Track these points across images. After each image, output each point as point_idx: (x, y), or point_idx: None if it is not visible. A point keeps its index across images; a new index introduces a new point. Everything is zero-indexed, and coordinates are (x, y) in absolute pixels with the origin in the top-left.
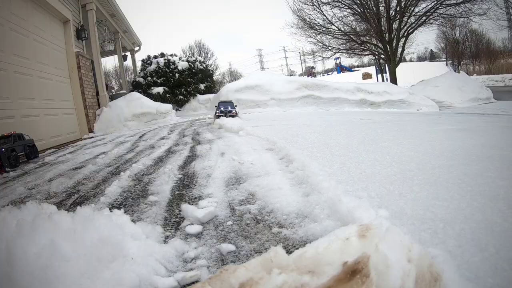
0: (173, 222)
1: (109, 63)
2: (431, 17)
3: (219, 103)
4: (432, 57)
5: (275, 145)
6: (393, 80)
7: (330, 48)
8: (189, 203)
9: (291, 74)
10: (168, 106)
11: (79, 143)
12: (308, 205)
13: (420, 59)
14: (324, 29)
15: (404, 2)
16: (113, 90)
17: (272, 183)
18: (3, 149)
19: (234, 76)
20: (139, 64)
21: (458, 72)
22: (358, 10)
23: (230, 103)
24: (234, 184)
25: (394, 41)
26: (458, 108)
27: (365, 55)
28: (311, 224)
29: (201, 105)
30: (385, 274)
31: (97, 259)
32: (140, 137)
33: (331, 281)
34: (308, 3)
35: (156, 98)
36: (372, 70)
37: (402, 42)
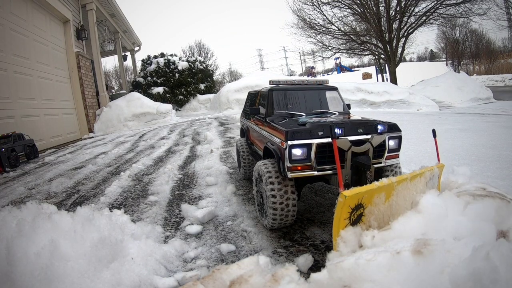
0: (173, 222)
1: (109, 63)
2: (431, 17)
3: (270, 97)
4: (432, 57)
5: None
6: (393, 80)
7: (330, 48)
8: (189, 203)
9: (291, 74)
10: (168, 106)
11: (79, 143)
12: None
13: (420, 59)
14: (324, 29)
15: (404, 2)
16: (113, 90)
17: None
18: (3, 149)
19: (234, 76)
20: (139, 64)
21: (458, 72)
22: (358, 10)
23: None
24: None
25: (394, 41)
26: (458, 108)
27: (365, 55)
28: None
29: (201, 105)
30: None
31: (97, 259)
32: (140, 137)
33: None
34: (308, 3)
35: (156, 98)
36: (372, 70)
37: (402, 42)
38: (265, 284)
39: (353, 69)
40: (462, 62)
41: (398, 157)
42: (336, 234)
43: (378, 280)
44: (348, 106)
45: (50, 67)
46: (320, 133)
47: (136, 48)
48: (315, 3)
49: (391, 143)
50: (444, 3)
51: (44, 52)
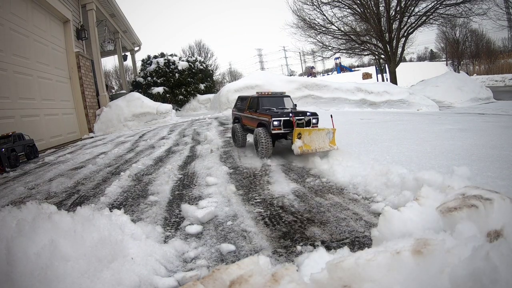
0: (173, 222)
1: (109, 63)
2: (431, 17)
3: (258, 100)
4: (432, 57)
5: None
6: (393, 80)
7: (330, 48)
8: (189, 203)
9: (291, 74)
10: (168, 106)
11: (79, 143)
12: None
13: (420, 59)
14: (324, 29)
15: (404, 2)
16: (113, 90)
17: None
18: (3, 149)
19: (234, 76)
20: (139, 64)
21: (458, 72)
22: (358, 10)
23: (284, 97)
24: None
25: (394, 41)
26: (458, 108)
27: (365, 55)
28: None
29: (201, 105)
30: None
31: (97, 259)
32: (140, 137)
33: None
34: (308, 3)
35: (156, 98)
36: (372, 70)
37: (402, 42)
38: (265, 284)
39: (353, 69)
40: (462, 62)
41: (317, 126)
42: (293, 141)
43: (378, 280)
44: (295, 105)
45: (50, 67)
46: (284, 115)
47: (136, 48)
48: (315, 3)
49: (314, 121)
50: (444, 3)
51: (44, 52)
